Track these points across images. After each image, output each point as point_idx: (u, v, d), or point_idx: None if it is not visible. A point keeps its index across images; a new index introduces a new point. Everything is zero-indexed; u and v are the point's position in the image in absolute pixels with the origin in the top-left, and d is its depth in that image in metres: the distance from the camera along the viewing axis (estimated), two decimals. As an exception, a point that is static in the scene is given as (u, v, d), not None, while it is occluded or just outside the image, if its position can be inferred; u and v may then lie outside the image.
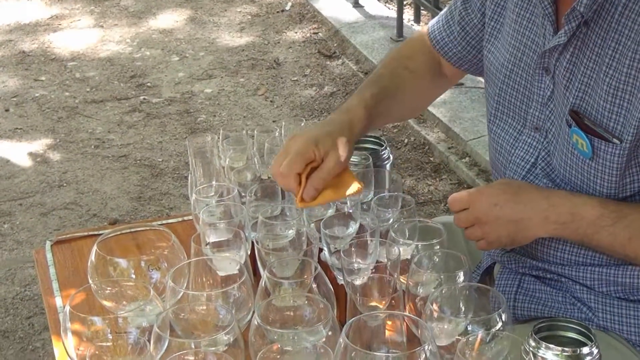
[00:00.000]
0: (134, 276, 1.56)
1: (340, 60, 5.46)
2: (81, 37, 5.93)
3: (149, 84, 5.28)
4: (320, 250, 1.67)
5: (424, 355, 1.27)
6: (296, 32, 5.91)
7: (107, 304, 1.51)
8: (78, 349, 1.39)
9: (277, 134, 2.03)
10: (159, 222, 2.04)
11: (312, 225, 1.73)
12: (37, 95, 5.16)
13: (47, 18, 6.21)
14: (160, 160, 4.47)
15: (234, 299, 1.48)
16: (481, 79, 2.15)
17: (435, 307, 1.41)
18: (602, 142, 1.64)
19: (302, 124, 2.06)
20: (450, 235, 1.71)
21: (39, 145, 4.62)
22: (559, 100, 1.72)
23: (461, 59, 2.03)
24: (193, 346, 1.34)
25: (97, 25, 6.13)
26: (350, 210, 1.74)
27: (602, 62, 1.63)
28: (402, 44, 2.17)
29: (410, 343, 1.39)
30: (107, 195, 4.17)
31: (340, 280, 1.62)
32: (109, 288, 1.52)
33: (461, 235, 1.92)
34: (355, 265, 1.59)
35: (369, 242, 1.62)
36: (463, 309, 1.46)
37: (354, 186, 1.75)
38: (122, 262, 1.57)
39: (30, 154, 4.54)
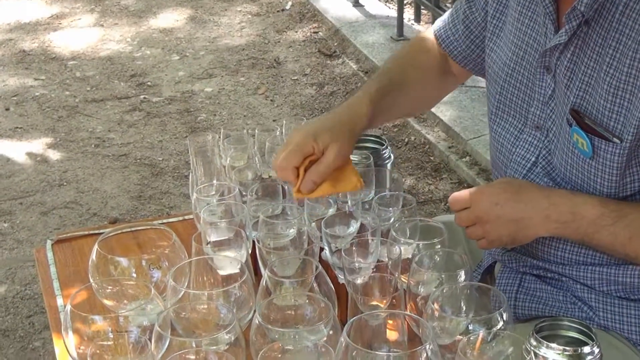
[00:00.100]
0: (135, 275, 1.56)
1: (341, 60, 5.46)
2: (81, 36, 5.93)
3: (149, 83, 5.28)
4: (321, 249, 1.67)
5: (425, 355, 1.27)
6: (296, 32, 5.91)
7: (108, 303, 1.51)
8: (79, 348, 1.39)
9: (277, 133, 2.03)
10: (160, 221, 2.05)
11: (313, 224, 1.73)
12: (37, 94, 5.16)
13: (47, 17, 6.21)
14: (160, 159, 4.47)
15: (235, 298, 1.48)
16: (481, 78, 2.15)
17: (436, 306, 1.41)
18: (602, 142, 1.64)
19: (303, 123, 2.06)
20: (451, 234, 1.71)
21: (39, 144, 4.62)
22: (560, 99, 1.72)
23: (465, 57, 2.03)
24: (194, 345, 1.34)
25: (97, 24, 6.13)
26: (352, 210, 1.74)
27: (602, 61, 1.62)
28: (410, 41, 2.18)
29: (411, 342, 1.39)
30: (108, 194, 4.17)
31: (341, 279, 1.62)
32: (110, 287, 1.52)
33: (462, 234, 1.92)
34: (356, 264, 1.59)
35: (370, 241, 1.62)
36: (464, 308, 1.46)
37: (354, 182, 1.75)
38: (123, 261, 1.57)
39: (31, 153, 4.54)
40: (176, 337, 1.35)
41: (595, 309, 1.75)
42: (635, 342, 1.72)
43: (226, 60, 5.56)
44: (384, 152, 2.01)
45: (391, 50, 5.28)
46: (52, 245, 2.00)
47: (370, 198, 1.81)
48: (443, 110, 4.50)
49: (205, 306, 1.46)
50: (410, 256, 1.60)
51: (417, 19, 5.64)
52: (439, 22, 2.08)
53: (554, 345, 1.36)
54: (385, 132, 4.57)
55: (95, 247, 1.57)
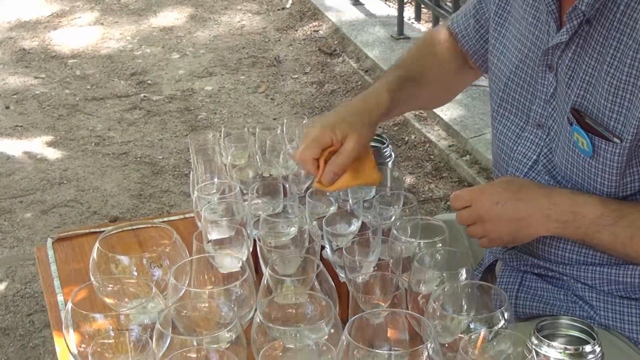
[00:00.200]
0: (135, 273, 1.56)
1: (341, 58, 5.46)
2: (82, 35, 5.93)
3: (149, 82, 5.28)
4: (323, 247, 1.66)
5: (426, 353, 1.27)
6: (297, 30, 5.91)
7: (109, 301, 1.51)
8: (80, 346, 1.39)
9: (278, 131, 2.03)
10: (161, 220, 2.04)
11: (314, 222, 1.73)
12: (37, 92, 5.16)
13: (47, 15, 6.21)
14: (160, 157, 4.46)
15: (236, 296, 1.48)
16: (482, 77, 2.15)
17: (437, 304, 1.41)
18: (602, 141, 1.64)
19: (304, 122, 2.06)
20: (452, 233, 1.71)
21: (40, 142, 4.62)
22: (562, 97, 1.72)
23: (476, 52, 2.03)
24: (195, 343, 1.34)
25: (97, 23, 6.13)
26: (353, 208, 1.74)
27: (603, 60, 1.62)
28: (428, 33, 2.18)
29: (412, 341, 1.38)
30: (108, 193, 4.17)
31: (343, 277, 1.62)
32: (110, 285, 1.52)
33: (463, 233, 1.92)
34: (358, 262, 1.58)
35: (371, 239, 1.62)
36: (465, 306, 1.46)
37: (373, 177, 1.76)
38: (124, 260, 1.56)
39: (31, 151, 4.54)
40: (177, 336, 1.35)
41: (596, 308, 1.75)
42: (636, 341, 1.72)
43: (226, 59, 5.56)
44: (384, 150, 2.00)
45: (391, 48, 5.28)
46: (52, 243, 2.00)
47: (371, 196, 1.81)
48: (443, 109, 4.50)
49: (206, 304, 1.46)
50: (411, 255, 1.60)
51: (418, 17, 5.64)
52: (455, 15, 2.09)
53: (555, 344, 1.36)
54: (385, 131, 4.57)
55: (96, 245, 1.57)
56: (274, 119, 4.78)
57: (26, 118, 4.87)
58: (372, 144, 2.03)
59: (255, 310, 1.43)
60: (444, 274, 1.51)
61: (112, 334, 1.39)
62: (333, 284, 1.51)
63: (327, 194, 1.80)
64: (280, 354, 1.36)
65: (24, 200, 4.12)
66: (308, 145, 1.75)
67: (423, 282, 1.51)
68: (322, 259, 1.62)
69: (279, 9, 6.24)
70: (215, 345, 1.35)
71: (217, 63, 5.51)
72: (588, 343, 1.37)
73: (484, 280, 1.83)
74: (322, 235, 1.66)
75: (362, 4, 5.94)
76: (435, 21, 5.22)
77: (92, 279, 1.55)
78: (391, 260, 1.59)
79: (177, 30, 5.99)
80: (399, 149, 4.45)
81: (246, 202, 1.77)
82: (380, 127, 4.41)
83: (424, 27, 5.60)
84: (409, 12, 5.68)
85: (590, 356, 1.35)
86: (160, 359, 1.33)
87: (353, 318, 1.35)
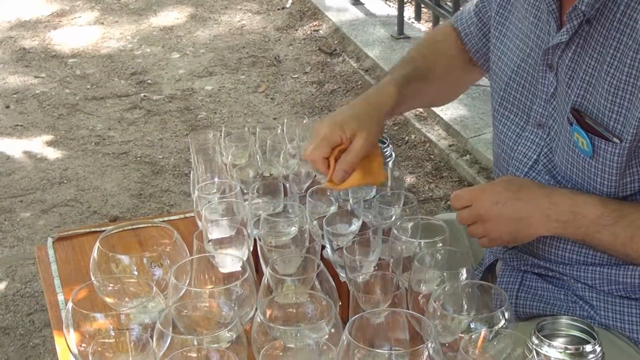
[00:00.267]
0: (136, 273, 1.56)
1: (341, 58, 5.46)
2: (82, 34, 5.93)
3: (149, 81, 5.28)
4: (323, 247, 1.67)
5: (426, 353, 1.27)
6: (297, 30, 5.91)
7: (109, 300, 1.51)
8: (80, 346, 1.39)
9: (279, 131, 2.03)
10: (161, 219, 2.04)
11: (315, 222, 1.73)
12: (37, 92, 5.16)
13: (47, 15, 6.21)
14: (160, 157, 4.46)
15: (237, 296, 1.48)
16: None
17: (437, 304, 1.41)
18: (602, 141, 1.64)
19: (304, 121, 2.06)
20: (453, 232, 1.71)
21: (40, 142, 4.62)
22: (562, 97, 1.72)
23: (478, 51, 2.03)
24: (195, 343, 1.34)
25: (97, 22, 6.13)
26: (353, 208, 1.74)
27: (603, 60, 1.62)
28: (432, 31, 2.18)
29: (413, 340, 1.38)
30: (108, 192, 4.17)
31: (343, 277, 1.62)
32: (111, 285, 1.52)
33: (463, 232, 1.92)
34: (358, 262, 1.59)
35: (371, 239, 1.62)
36: (466, 306, 1.46)
37: (380, 177, 1.76)
38: (125, 259, 1.56)
39: (31, 150, 4.54)
40: (178, 335, 1.35)
41: (597, 308, 1.75)
42: (636, 341, 1.72)
43: (226, 58, 5.56)
44: (385, 150, 2.00)
45: (392, 48, 5.28)
46: (53, 242, 2.00)
47: (372, 196, 1.81)
48: (443, 109, 4.50)
49: (207, 304, 1.46)
50: (411, 254, 1.60)
51: (418, 17, 5.63)
52: (459, 13, 2.09)
53: (555, 343, 1.36)
54: (385, 130, 4.56)
55: (97, 244, 1.57)
56: (274, 119, 4.78)
57: (26, 117, 4.87)
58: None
59: (256, 309, 1.43)
60: (445, 274, 1.51)
61: (113, 334, 1.39)
62: (333, 283, 1.51)
63: (328, 193, 1.80)
64: (281, 353, 1.36)
65: (24, 199, 4.12)
66: (318, 144, 1.74)
67: (423, 281, 1.51)
68: (322, 258, 1.62)
69: (279, 9, 6.24)
70: (215, 345, 1.35)
71: (217, 63, 5.51)
72: (588, 343, 1.37)
73: (484, 280, 1.83)
74: (322, 235, 1.66)
75: (362, 4, 5.94)
76: (436, 20, 5.22)
77: (92, 278, 1.55)
78: (392, 260, 1.59)
79: (177, 30, 5.99)
80: (399, 148, 4.45)
81: (247, 202, 1.77)
82: (403, 114, 4.41)
83: (424, 26, 5.60)
84: (409, 11, 5.68)
85: (591, 356, 1.35)
86: (160, 358, 1.33)
87: (353, 318, 1.35)
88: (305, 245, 1.64)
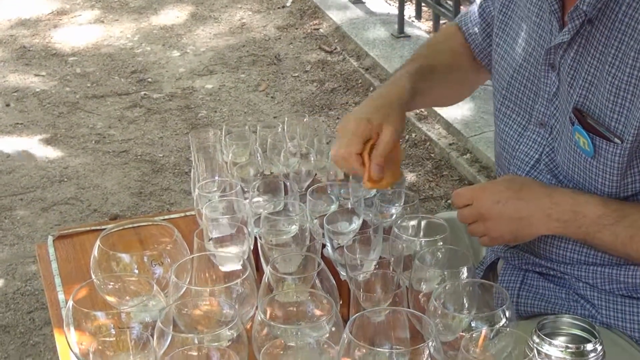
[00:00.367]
0: (136, 271, 1.56)
1: (342, 57, 5.45)
2: (82, 33, 5.93)
3: (149, 80, 5.28)
4: (323, 245, 1.66)
5: (427, 352, 1.27)
6: (297, 28, 5.91)
7: (110, 299, 1.51)
8: (81, 344, 1.39)
9: (279, 129, 2.03)
10: (162, 217, 2.04)
11: (315, 220, 1.73)
12: (37, 90, 5.16)
13: (48, 13, 6.21)
14: (160, 155, 4.46)
15: (237, 294, 1.48)
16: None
17: (438, 303, 1.41)
18: (603, 142, 1.64)
19: (305, 120, 2.06)
20: (453, 231, 1.71)
21: (40, 140, 4.62)
22: (564, 97, 1.72)
23: (482, 51, 2.02)
24: (196, 341, 1.34)
25: (98, 21, 6.13)
26: (354, 206, 1.74)
27: (605, 60, 1.62)
28: (439, 31, 2.17)
29: (413, 339, 1.38)
30: (108, 191, 4.17)
31: (344, 276, 1.62)
32: (111, 283, 1.52)
33: (464, 231, 1.92)
34: (359, 261, 1.58)
35: (372, 238, 1.62)
36: (466, 305, 1.46)
37: (397, 174, 1.77)
38: (125, 257, 1.56)
39: (31, 149, 4.54)
40: (178, 334, 1.35)
41: (598, 307, 1.75)
42: (637, 340, 1.72)
43: (227, 57, 5.55)
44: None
45: (392, 47, 5.28)
46: (53, 241, 2.00)
47: (373, 195, 1.81)
48: (444, 107, 4.50)
49: (207, 302, 1.46)
50: (412, 253, 1.60)
51: (418, 16, 5.63)
52: (463, 13, 2.09)
53: (556, 342, 1.36)
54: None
55: (97, 243, 1.57)
56: (274, 117, 4.78)
57: (26, 116, 4.87)
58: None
59: (256, 308, 1.43)
60: (445, 273, 1.51)
61: (113, 332, 1.39)
62: (334, 282, 1.51)
63: (329, 191, 1.79)
64: (282, 352, 1.36)
65: (24, 197, 4.12)
66: (349, 141, 1.71)
67: (424, 280, 1.51)
68: (323, 257, 1.62)
69: (279, 7, 6.23)
70: (216, 344, 1.35)
71: (217, 61, 5.51)
72: (589, 342, 1.37)
73: (485, 279, 1.83)
74: (323, 234, 1.66)
75: (362, 2, 5.94)
76: (436, 19, 5.22)
77: (93, 276, 1.55)
78: (392, 259, 1.59)
79: (178, 29, 5.99)
80: (399, 147, 4.44)
81: (247, 200, 1.77)
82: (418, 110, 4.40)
83: (424, 25, 5.59)
84: (410, 10, 5.68)
85: (592, 355, 1.35)
86: (161, 357, 1.33)
87: (354, 316, 1.35)
88: (305, 243, 1.64)
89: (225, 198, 1.78)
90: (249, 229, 1.68)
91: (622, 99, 1.60)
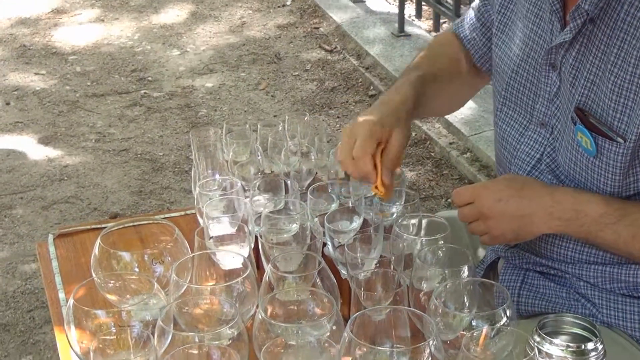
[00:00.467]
0: (137, 270, 1.56)
1: (342, 55, 5.45)
2: (82, 31, 5.93)
3: (149, 78, 5.28)
4: (324, 244, 1.66)
5: (428, 350, 1.27)
6: (297, 27, 5.91)
7: (110, 297, 1.51)
8: (81, 343, 1.39)
9: (280, 128, 2.02)
10: (162, 216, 2.04)
11: (316, 219, 1.73)
12: (37, 88, 5.16)
13: (48, 12, 6.21)
14: (161, 154, 4.46)
15: (238, 293, 1.48)
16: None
17: (439, 302, 1.41)
18: (606, 141, 1.64)
19: (306, 118, 2.06)
20: (454, 230, 1.71)
21: (40, 139, 4.61)
22: (565, 96, 1.72)
23: (482, 56, 2.01)
24: (197, 340, 1.34)
25: (98, 19, 6.12)
26: (354, 205, 1.74)
27: (607, 60, 1.62)
28: (435, 38, 2.16)
29: (414, 338, 1.38)
30: (108, 189, 4.17)
31: (344, 274, 1.62)
32: (112, 281, 1.52)
33: (465, 230, 1.92)
34: (359, 259, 1.58)
35: (372, 236, 1.62)
36: (467, 304, 1.46)
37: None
38: (126, 256, 1.56)
39: (31, 147, 4.54)
40: (179, 332, 1.35)
41: (599, 306, 1.75)
42: (638, 339, 1.72)
43: (227, 56, 5.55)
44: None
45: (392, 46, 5.27)
46: (54, 239, 2.00)
47: (373, 194, 1.81)
48: (444, 107, 4.49)
49: (208, 301, 1.46)
50: (413, 252, 1.60)
51: (419, 15, 5.63)
52: (459, 20, 2.07)
53: (557, 341, 1.36)
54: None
55: (98, 241, 1.57)
56: (275, 116, 4.78)
57: (26, 114, 4.87)
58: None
59: (257, 307, 1.43)
60: (446, 271, 1.51)
61: (114, 331, 1.39)
62: (335, 280, 1.51)
63: (329, 190, 1.79)
64: (282, 350, 1.36)
65: (24, 196, 4.12)
66: (364, 142, 1.69)
67: (425, 279, 1.51)
68: (323, 255, 1.62)
69: (279, 6, 6.23)
70: (216, 342, 1.35)
71: (217, 60, 5.50)
72: (590, 341, 1.37)
73: (485, 278, 1.83)
74: (323, 232, 1.66)
75: (362, 1, 5.94)
76: (436, 18, 5.22)
77: (93, 275, 1.55)
78: (393, 257, 1.59)
79: (178, 27, 5.99)
80: (399, 146, 4.44)
81: (248, 199, 1.77)
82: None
83: (424, 24, 5.59)
84: (410, 9, 5.68)
85: (593, 354, 1.35)
86: (161, 355, 1.33)
87: (355, 315, 1.35)
88: (306, 242, 1.64)
89: (225, 197, 1.78)
90: (250, 228, 1.68)
91: (625, 98, 1.59)
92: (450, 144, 4.37)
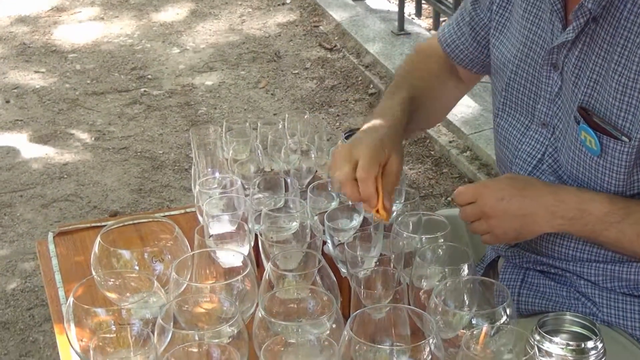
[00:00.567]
0: (137, 268, 1.56)
1: (341, 54, 5.45)
2: (82, 29, 5.93)
3: (149, 76, 5.28)
4: (324, 242, 1.66)
5: (428, 349, 1.27)
6: (297, 25, 5.90)
7: (110, 295, 1.51)
8: (81, 341, 1.39)
9: (280, 126, 2.02)
10: (162, 214, 2.04)
11: (316, 217, 1.73)
12: (37, 86, 5.15)
13: (47, 10, 6.20)
14: (160, 152, 4.46)
15: (238, 291, 1.48)
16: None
17: (439, 300, 1.41)
18: (610, 140, 1.63)
19: (306, 116, 2.06)
20: (454, 228, 1.70)
21: (40, 137, 4.61)
22: (567, 96, 1.71)
23: (472, 60, 2.01)
24: (197, 338, 1.34)
25: (97, 18, 6.12)
26: (354, 203, 1.73)
27: (611, 58, 1.62)
28: (415, 52, 2.14)
29: (414, 336, 1.38)
30: (108, 187, 4.17)
31: (344, 273, 1.62)
32: (112, 279, 1.52)
33: (464, 228, 1.92)
34: (359, 257, 1.58)
35: (372, 234, 1.62)
36: (467, 302, 1.46)
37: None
38: (126, 254, 1.56)
39: (31, 145, 4.54)
40: (179, 330, 1.35)
41: (599, 305, 1.74)
42: (638, 338, 1.72)
43: (227, 54, 5.55)
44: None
45: (392, 44, 5.27)
46: (53, 237, 2.00)
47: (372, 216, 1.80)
48: (444, 105, 4.48)
49: (208, 299, 1.46)
50: (413, 250, 1.60)
51: (418, 13, 5.63)
52: (443, 28, 2.06)
53: (557, 340, 1.36)
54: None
55: (98, 239, 1.57)
56: (274, 114, 4.78)
57: (26, 112, 4.87)
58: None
59: (257, 305, 1.43)
60: (446, 270, 1.51)
61: (114, 329, 1.39)
62: (335, 279, 1.51)
63: (329, 188, 1.79)
64: (282, 349, 1.36)
65: (24, 194, 4.12)
66: (368, 164, 1.64)
67: (425, 277, 1.51)
68: (323, 254, 1.62)
69: (279, 4, 6.23)
70: (216, 340, 1.35)
71: (217, 58, 5.50)
72: (590, 339, 1.37)
73: (485, 277, 1.83)
74: (323, 230, 1.66)
75: (362, 0, 5.93)
76: (436, 17, 5.22)
77: (93, 273, 1.55)
78: (393, 256, 1.59)
79: (178, 25, 5.98)
80: (399, 144, 4.44)
81: (248, 197, 1.77)
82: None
83: (424, 22, 5.59)
84: (410, 7, 5.68)
85: (593, 352, 1.35)
86: (161, 353, 1.33)
87: (355, 313, 1.35)
88: (306, 240, 1.64)
89: (225, 195, 1.78)
90: (250, 226, 1.68)
91: (629, 96, 1.59)
92: (450, 142, 4.37)
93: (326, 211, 1.70)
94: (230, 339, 1.36)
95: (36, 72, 5.34)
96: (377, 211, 1.64)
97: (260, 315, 1.38)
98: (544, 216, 1.68)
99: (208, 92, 5.08)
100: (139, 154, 4.45)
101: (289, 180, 1.82)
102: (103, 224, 1.94)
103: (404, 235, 1.62)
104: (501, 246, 1.87)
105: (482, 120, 4.36)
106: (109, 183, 4.20)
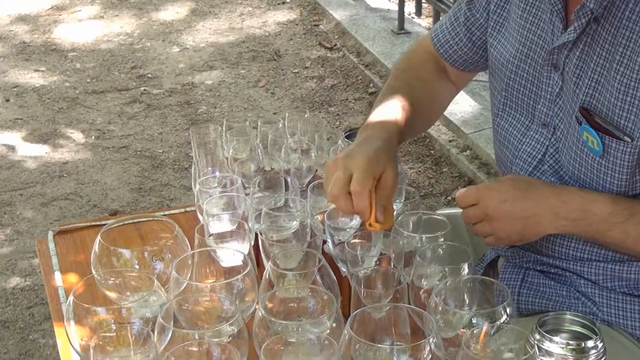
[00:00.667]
0: (137, 267, 1.56)
1: (341, 53, 5.45)
2: (82, 28, 5.93)
3: (149, 75, 5.28)
4: (324, 241, 1.66)
5: (428, 348, 1.27)
6: (297, 24, 5.90)
7: (110, 294, 1.51)
8: (81, 340, 1.39)
9: (280, 125, 2.02)
10: (162, 213, 2.04)
11: (316, 216, 1.73)
12: (37, 85, 5.16)
13: (48, 9, 6.20)
14: (160, 151, 4.46)
15: (238, 290, 1.48)
16: (482, 72, 2.13)
17: (439, 299, 1.41)
18: (612, 140, 1.63)
19: (306, 115, 2.06)
20: (454, 228, 1.70)
21: (40, 135, 4.61)
22: (569, 97, 1.71)
23: (467, 60, 2.00)
24: (197, 337, 1.34)
25: (97, 16, 6.12)
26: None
27: (612, 58, 1.61)
28: (406, 55, 2.13)
29: (414, 335, 1.38)
30: (108, 186, 4.17)
31: (344, 272, 1.62)
32: (112, 278, 1.52)
33: (464, 228, 1.91)
34: (359, 257, 1.58)
35: (372, 234, 1.62)
36: (467, 301, 1.46)
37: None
38: (126, 253, 1.56)
39: (31, 144, 4.54)
40: (179, 329, 1.35)
41: (599, 304, 1.74)
42: (638, 338, 1.72)
43: (227, 53, 5.55)
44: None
45: (392, 43, 5.27)
46: (53, 236, 2.00)
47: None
48: (444, 104, 4.48)
49: (208, 298, 1.46)
50: (413, 249, 1.60)
51: (418, 12, 5.63)
52: (436, 29, 2.04)
53: (557, 339, 1.36)
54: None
55: (98, 238, 1.57)
56: (274, 113, 4.78)
57: (26, 111, 4.87)
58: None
59: (257, 304, 1.43)
60: (446, 269, 1.51)
61: (114, 327, 1.39)
62: (335, 278, 1.51)
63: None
64: (282, 348, 1.36)
65: (24, 193, 4.12)
66: (363, 177, 1.62)
67: (425, 276, 1.51)
68: (323, 253, 1.62)
69: (279, 3, 6.23)
70: (216, 339, 1.35)
71: (217, 57, 5.50)
72: (590, 339, 1.37)
73: (485, 276, 1.83)
74: (323, 230, 1.66)
75: (362, -1, 5.94)
76: (436, 16, 5.22)
77: (93, 272, 1.55)
78: (393, 255, 1.59)
79: (178, 24, 5.98)
80: (399, 143, 4.44)
81: (248, 196, 1.77)
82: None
83: (424, 21, 5.59)
84: (410, 7, 5.68)
85: (593, 352, 1.35)
86: (161, 352, 1.33)
87: (355, 312, 1.35)
88: (306, 239, 1.64)
89: (226, 194, 1.78)
90: (250, 225, 1.68)
91: (632, 96, 1.59)
92: (450, 141, 4.37)
93: (326, 210, 1.70)
94: (231, 338, 1.36)
95: (36, 70, 5.34)
96: (370, 224, 1.62)
97: (260, 314, 1.38)
98: (547, 217, 1.67)
99: (208, 91, 5.08)
100: (139, 152, 4.45)
101: (289, 180, 1.82)
102: (103, 222, 1.95)
103: (404, 234, 1.62)
104: (501, 246, 1.87)
105: (482, 120, 4.36)
106: (109, 182, 4.20)
